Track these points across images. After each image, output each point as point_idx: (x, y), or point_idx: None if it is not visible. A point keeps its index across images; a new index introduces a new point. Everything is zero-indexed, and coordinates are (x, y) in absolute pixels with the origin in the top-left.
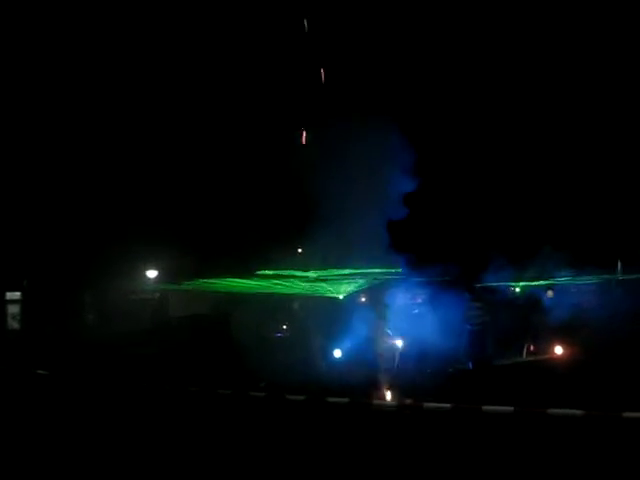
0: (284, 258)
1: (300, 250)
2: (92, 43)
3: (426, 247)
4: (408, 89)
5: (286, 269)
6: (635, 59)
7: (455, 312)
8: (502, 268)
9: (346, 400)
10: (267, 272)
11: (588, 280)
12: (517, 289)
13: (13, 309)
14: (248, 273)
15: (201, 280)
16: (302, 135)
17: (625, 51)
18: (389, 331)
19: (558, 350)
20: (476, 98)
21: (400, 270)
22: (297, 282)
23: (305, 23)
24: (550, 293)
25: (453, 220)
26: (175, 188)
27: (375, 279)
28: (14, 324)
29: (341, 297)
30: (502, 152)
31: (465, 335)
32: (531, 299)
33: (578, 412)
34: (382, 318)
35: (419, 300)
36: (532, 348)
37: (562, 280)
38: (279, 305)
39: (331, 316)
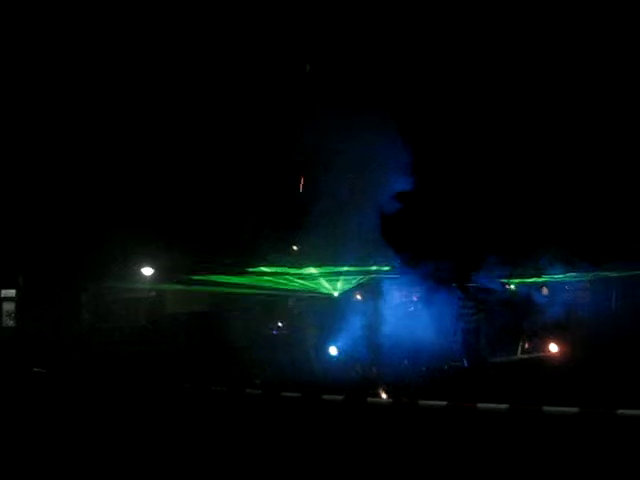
0: (279, 255)
1: (295, 247)
2: (90, 41)
3: (420, 245)
4: (404, 86)
5: (281, 266)
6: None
7: (449, 310)
8: (495, 266)
9: (341, 397)
10: (262, 269)
11: (582, 277)
12: (512, 287)
13: (8, 307)
14: (243, 270)
15: (197, 277)
16: (298, 131)
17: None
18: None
19: (553, 348)
20: (470, 94)
21: (395, 268)
22: (292, 279)
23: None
24: (545, 290)
25: (447, 218)
26: (170, 185)
27: (370, 276)
28: (9, 322)
29: (336, 294)
30: (496, 150)
31: (459, 333)
32: (526, 297)
33: (573, 409)
34: (377, 315)
35: (414, 298)
36: (527, 346)
37: (556, 277)
38: (274, 302)
39: (326, 313)
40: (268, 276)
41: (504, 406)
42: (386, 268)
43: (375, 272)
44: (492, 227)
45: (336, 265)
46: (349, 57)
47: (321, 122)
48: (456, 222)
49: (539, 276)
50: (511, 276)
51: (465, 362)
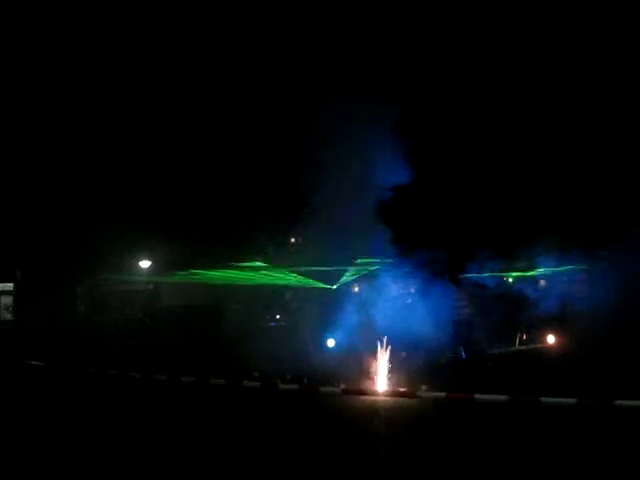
0: (278, 248)
1: (293, 240)
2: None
3: (416, 238)
4: (401, 79)
5: (280, 259)
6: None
7: (443, 303)
8: (489, 259)
9: (339, 390)
10: (261, 263)
11: (578, 267)
12: (510, 279)
13: (6, 300)
14: (242, 264)
15: (194, 271)
16: (295, 124)
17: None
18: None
19: (550, 339)
20: (465, 87)
21: (392, 260)
22: (290, 272)
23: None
24: (542, 283)
25: (443, 211)
26: (167, 180)
27: (368, 269)
28: (7, 315)
29: (334, 287)
30: (491, 145)
31: (450, 325)
32: (523, 289)
33: (571, 400)
34: (375, 308)
35: (411, 290)
36: (525, 337)
37: (553, 269)
38: (273, 295)
39: (324, 306)
40: (267, 269)
41: (502, 397)
42: (384, 261)
43: (374, 264)
44: (486, 219)
45: (335, 258)
46: (347, 48)
47: (318, 115)
48: (450, 215)
49: (533, 269)
50: (507, 269)
51: (463, 354)
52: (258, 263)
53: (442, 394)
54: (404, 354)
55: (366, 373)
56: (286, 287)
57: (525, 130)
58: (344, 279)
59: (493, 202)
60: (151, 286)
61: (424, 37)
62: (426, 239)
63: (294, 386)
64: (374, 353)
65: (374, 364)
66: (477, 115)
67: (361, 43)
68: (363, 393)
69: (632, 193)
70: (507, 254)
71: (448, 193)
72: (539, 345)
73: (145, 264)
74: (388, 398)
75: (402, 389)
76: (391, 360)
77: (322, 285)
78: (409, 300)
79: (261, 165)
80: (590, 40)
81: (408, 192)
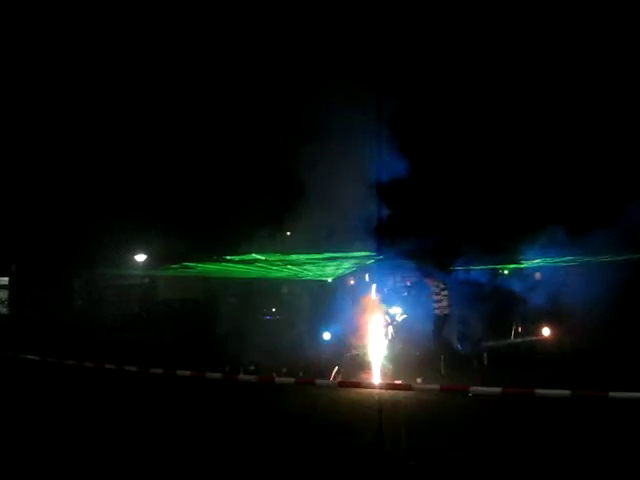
0: (273, 241)
1: (288, 233)
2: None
3: (408, 230)
4: (397, 73)
5: (275, 253)
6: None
7: (425, 297)
8: (480, 252)
9: (335, 382)
10: (256, 256)
11: (571, 262)
12: (505, 272)
13: (1, 294)
14: (236, 257)
15: (186, 264)
16: (290, 118)
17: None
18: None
19: (545, 331)
20: (461, 83)
21: (387, 253)
22: (286, 265)
23: None
24: (537, 275)
25: (433, 204)
26: (163, 173)
27: (363, 262)
28: (2, 309)
29: (330, 280)
30: (483, 137)
31: (434, 320)
32: (517, 282)
33: (565, 392)
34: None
35: (408, 283)
36: (520, 330)
37: (546, 261)
38: (269, 288)
39: (320, 299)
40: (262, 262)
41: (497, 390)
42: (379, 253)
43: (369, 257)
44: (477, 212)
45: (330, 251)
46: (343, 40)
47: (313, 108)
48: (440, 207)
49: (528, 261)
50: (500, 261)
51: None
52: (253, 256)
53: (437, 386)
54: (401, 346)
55: (362, 365)
56: (282, 280)
57: (516, 122)
58: (340, 272)
59: (485, 194)
60: (147, 280)
61: (420, 28)
62: (415, 232)
63: (290, 379)
64: (370, 345)
65: (370, 356)
66: (469, 109)
67: (357, 35)
68: (359, 386)
69: (627, 185)
70: (500, 247)
71: (439, 186)
72: (534, 338)
73: (141, 258)
74: (383, 390)
75: (398, 381)
76: (386, 353)
77: (318, 278)
78: (405, 293)
79: (256, 158)
80: (579, 35)
81: (401, 184)
